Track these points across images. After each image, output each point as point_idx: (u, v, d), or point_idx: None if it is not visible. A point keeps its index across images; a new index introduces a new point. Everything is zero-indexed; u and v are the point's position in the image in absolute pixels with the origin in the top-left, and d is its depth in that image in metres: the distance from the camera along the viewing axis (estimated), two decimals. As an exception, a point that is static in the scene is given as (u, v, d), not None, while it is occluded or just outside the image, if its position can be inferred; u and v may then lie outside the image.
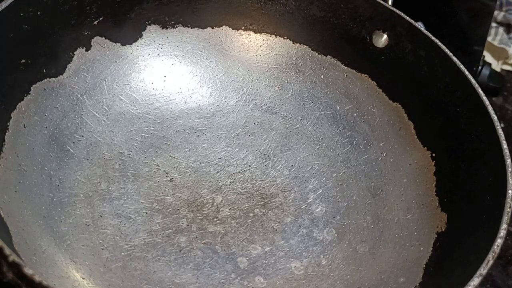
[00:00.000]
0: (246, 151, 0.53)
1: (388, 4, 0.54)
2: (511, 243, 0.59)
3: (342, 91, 0.56)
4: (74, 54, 0.51)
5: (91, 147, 0.50)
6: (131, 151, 0.51)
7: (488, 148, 0.45)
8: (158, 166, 0.51)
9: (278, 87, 0.57)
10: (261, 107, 0.56)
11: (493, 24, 0.79)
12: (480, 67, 0.70)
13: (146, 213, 0.47)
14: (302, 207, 0.50)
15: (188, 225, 0.47)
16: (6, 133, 0.44)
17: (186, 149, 0.53)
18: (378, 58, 0.54)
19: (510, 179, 0.41)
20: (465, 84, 0.48)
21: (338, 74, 0.56)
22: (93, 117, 0.51)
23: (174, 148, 0.52)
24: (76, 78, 0.51)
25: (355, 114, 0.55)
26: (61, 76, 0.50)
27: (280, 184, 0.52)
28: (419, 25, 0.52)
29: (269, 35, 0.58)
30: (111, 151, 0.51)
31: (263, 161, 0.53)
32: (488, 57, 0.77)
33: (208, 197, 0.49)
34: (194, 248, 0.46)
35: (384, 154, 0.52)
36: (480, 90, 0.47)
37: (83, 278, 0.42)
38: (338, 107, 0.56)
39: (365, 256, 0.47)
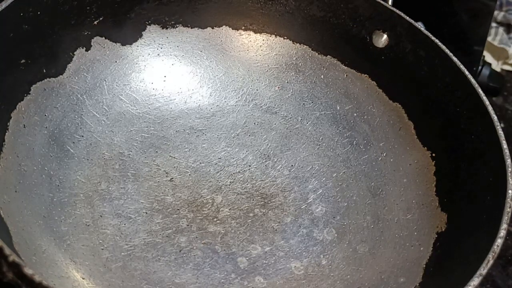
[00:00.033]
0: (246, 151, 0.53)
1: (388, 4, 0.54)
2: (511, 243, 0.59)
3: (342, 91, 0.56)
4: (74, 54, 0.51)
5: (91, 147, 0.50)
6: (131, 151, 0.51)
7: (488, 148, 0.45)
8: (158, 166, 0.51)
9: (278, 87, 0.57)
10: (261, 107, 0.56)
11: (493, 24, 0.79)
12: (480, 67, 0.70)
13: (146, 213, 0.47)
14: (302, 207, 0.50)
15: (188, 225, 0.47)
16: (6, 133, 0.44)
17: (186, 149, 0.53)
18: (378, 58, 0.54)
19: (510, 179, 0.41)
20: (465, 84, 0.48)
21: (338, 74, 0.56)
22: (93, 117, 0.51)
23: (174, 148, 0.52)
24: (76, 78, 0.51)
25: (355, 114, 0.55)
26: (61, 76, 0.50)
27: (280, 184, 0.52)
28: (419, 25, 0.52)
29: (269, 35, 0.58)
30: (111, 151, 0.51)
31: (263, 161, 0.53)
32: (488, 57, 0.77)
33: (208, 197, 0.49)
34: (194, 248, 0.46)
35: (384, 154, 0.52)
36: (480, 90, 0.47)
37: (83, 278, 0.42)
38: (338, 107, 0.56)
39: (365, 256, 0.47)
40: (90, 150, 0.50)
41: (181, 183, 0.50)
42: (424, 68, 0.51)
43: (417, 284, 0.43)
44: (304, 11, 0.56)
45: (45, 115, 0.48)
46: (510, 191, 0.41)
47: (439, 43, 0.50)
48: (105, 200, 0.47)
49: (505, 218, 0.40)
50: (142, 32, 0.55)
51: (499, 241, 0.38)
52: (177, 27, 0.56)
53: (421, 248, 0.45)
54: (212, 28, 0.57)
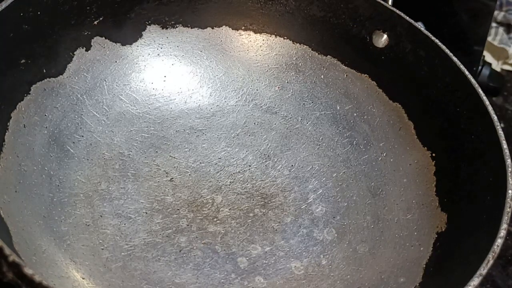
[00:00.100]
0: (246, 151, 0.53)
1: (388, 4, 0.54)
2: (511, 243, 0.59)
3: (342, 91, 0.56)
4: (74, 54, 0.51)
5: (91, 147, 0.50)
6: (131, 151, 0.51)
7: (488, 148, 0.45)
8: (158, 166, 0.51)
9: (278, 87, 0.57)
10: (261, 107, 0.56)
11: (493, 24, 0.79)
12: (480, 67, 0.70)
13: (146, 213, 0.47)
14: (302, 207, 0.50)
15: (188, 225, 0.47)
16: (6, 133, 0.44)
17: (186, 149, 0.53)
18: (378, 58, 0.54)
19: (510, 179, 0.41)
20: (465, 84, 0.48)
21: (338, 74, 0.56)
22: (93, 117, 0.51)
23: (174, 148, 0.52)
24: (76, 78, 0.51)
25: (355, 114, 0.55)
26: (61, 76, 0.50)
27: (280, 184, 0.52)
28: (419, 25, 0.52)
29: (269, 35, 0.58)
30: (111, 151, 0.51)
31: (263, 161, 0.53)
32: (488, 57, 0.77)
33: (208, 197, 0.49)
34: (194, 248, 0.46)
35: (384, 154, 0.52)
36: (480, 90, 0.47)
37: (83, 278, 0.42)
38: (338, 107, 0.56)
39: (365, 256, 0.47)
40: (90, 150, 0.50)
41: (181, 183, 0.50)
42: (424, 68, 0.51)
43: (417, 284, 0.43)
44: (304, 11, 0.56)
45: (45, 115, 0.48)
46: (510, 191, 0.41)
47: (439, 43, 0.50)
48: (105, 200, 0.47)
49: (505, 218, 0.40)
50: (142, 32, 0.55)
51: (499, 241, 0.38)
52: (177, 27, 0.56)
53: (421, 248, 0.45)
54: (212, 28, 0.57)
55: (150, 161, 0.51)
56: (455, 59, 0.49)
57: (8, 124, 0.45)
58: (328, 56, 0.56)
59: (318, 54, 0.57)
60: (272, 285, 0.45)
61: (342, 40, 0.55)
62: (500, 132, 0.44)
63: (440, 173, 0.49)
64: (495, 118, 0.45)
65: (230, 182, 0.51)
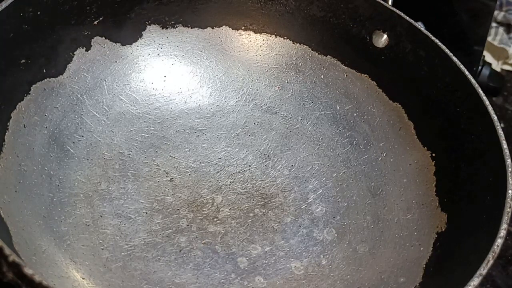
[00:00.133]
0: (246, 151, 0.53)
1: (388, 4, 0.54)
2: (511, 243, 0.59)
3: (342, 91, 0.56)
4: (74, 54, 0.51)
5: (91, 147, 0.50)
6: (131, 151, 0.51)
7: (488, 148, 0.45)
8: (158, 166, 0.51)
9: (278, 87, 0.57)
10: (261, 107, 0.56)
11: (493, 24, 0.79)
12: (480, 67, 0.70)
13: (146, 213, 0.47)
14: (302, 207, 0.50)
15: (188, 225, 0.47)
16: (6, 133, 0.44)
17: (186, 149, 0.53)
18: (378, 58, 0.54)
19: (510, 179, 0.41)
20: (465, 84, 0.48)
21: (338, 74, 0.56)
22: (93, 117, 0.51)
23: (174, 148, 0.52)
24: (76, 78, 0.51)
25: (355, 114, 0.55)
26: (61, 76, 0.50)
27: (280, 184, 0.52)
28: (419, 25, 0.52)
29: (269, 35, 0.58)
30: (111, 151, 0.51)
31: (263, 161, 0.53)
32: (488, 57, 0.77)
33: (208, 197, 0.49)
34: (194, 248, 0.46)
35: (384, 154, 0.52)
36: (480, 90, 0.47)
37: (83, 278, 0.42)
38: (338, 107, 0.56)
39: (365, 256, 0.47)
40: (90, 150, 0.50)
41: (181, 183, 0.50)
42: (424, 68, 0.51)
43: (417, 284, 0.43)
44: (304, 11, 0.56)
45: (45, 115, 0.48)
46: (510, 191, 0.41)
47: (439, 43, 0.50)
48: (105, 200, 0.47)
49: (505, 218, 0.40)
50: (142, 32, 0.55)
51: (499, 241, 0.38)
52: (177, 27, 0.56)
53: (421, 248, 0.45)
54: (212, 28, 0.57)
55: (150, 161, 0.51)
56: (455, 59, 0.49)
57: (8, 124, 0.45)
58: (328, 56, 0.56)
59: (318, 54, 0.57)
60: (272, 285, 0.45)
61: (342, 40, 0.55)
62: (500, 132, 0.44)
63: (440, 173, 0.49)
64: (495, 118, 0.45)
65: (230, 182, 0.51)
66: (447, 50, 0.50)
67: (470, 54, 0.68)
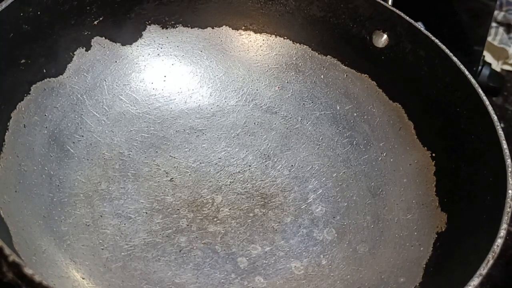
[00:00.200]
0: (246, 151, 0.53)
1: (388, 4, 0.54)
2: (511, 243, 0.59)
3: (342, 91, 0.56)
4: (74, 54, 0.51)
5: (91, 147, 0.50)
6: (131, 151, 0.51)
7: (488, 148, 0.45)
8: (158, 166, 0.51)
9: (278, 87, 0.57)
10: (261, 107, 0.56)
11: (493, 24, 0.79)
12: (480, 67, 0.70)
13: (146, 213, 0.47)
14: (302, 207, 0.50)
15: (188, 225, 0.47)
16: (6, 133, 0.44)
17: (186, 149, 0.53)
18: (378, 58, 0.54)
19: (510, 179, 0.41)
20: (465, 84, 0.48)
21: (338, 74, 0.56)
22: (93, 117, 0.51)
23: (174, 148, 0.52)
24: (76, 78, 0.51)
25: (355, 114, 0.55)
26: (61, 76, 0.50)
27: (280, 184, 0.52)
28: (419, 25, 0.52)
29: (269, 35, 0.58)
30: (111, 151, 0.51)
31: (263, 161, 0.53)
32: (488, 57, 0.77)
33: (208, 197, 0.49)
34: (194, 248, 0.46)
35: (384, 154, 0.52)
36: (480, 90, 0.47)
37: (83, 278, 0.42)
38: (338, 107, 0.56)
39: (365, 256, 0.47)
40: (90, 150, 0.50)
41: (181, 183, 0.50)
42: (424, 68, 0.51)
43: (417, 284, 0.43)
44: (304, 11, 0.56)
45: (45, 115, 0.48)
46: (510, 191, 0.41)
47: (439, 43, 0.50)
48: (105, 200, 0.47)
49: (505, 218, 0.40)
50: (142, 32, 0.55)
51: (499, 241, 0.38)
52: (177, 27, 0.56)
53: (421, 248, 0.45)
54: (212, 28, 0.57)
55: (150, 161, 0.51)
56: (455, 59, 0.49)
57: (8, 124, 0.45)
58: (328, 56, 0.56)
59: (318, 54, 0.57)
60: (272, 285, 0.45)
61: (342, 40, 0.55)
62: (500, 132, 0.44)
63: (440, 173, 0.49)
64: (495, 118, 0.45)
65: (230, 182, 0.51)
66: (447, 50, 0.50)
67: (470, 54, 0.68)
